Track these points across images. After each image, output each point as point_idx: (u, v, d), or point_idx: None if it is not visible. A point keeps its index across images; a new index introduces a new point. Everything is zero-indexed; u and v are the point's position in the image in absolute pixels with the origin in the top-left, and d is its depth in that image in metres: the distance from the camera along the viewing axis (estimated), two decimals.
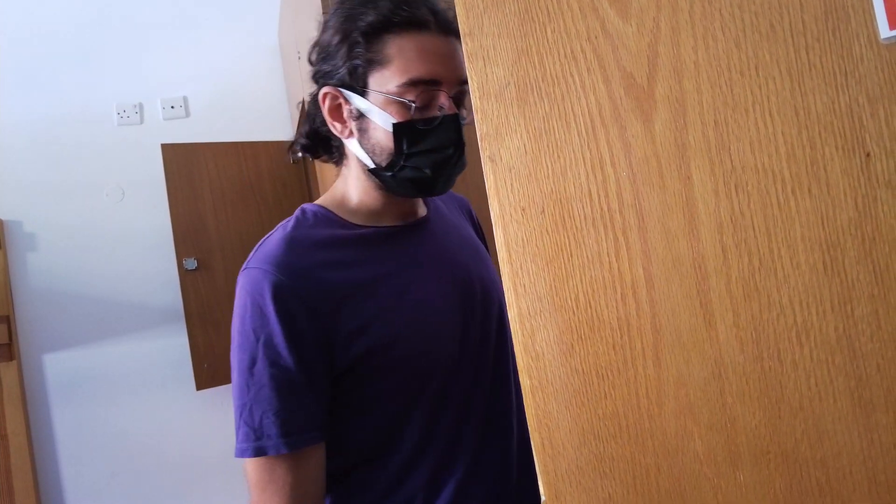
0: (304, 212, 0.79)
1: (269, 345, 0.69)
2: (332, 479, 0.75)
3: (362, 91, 0.73)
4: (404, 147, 0.72)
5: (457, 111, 0.73)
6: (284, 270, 0.70)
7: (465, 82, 0.69)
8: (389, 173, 0.74)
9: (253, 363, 0.69)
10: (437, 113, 0.72)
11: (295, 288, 0.69)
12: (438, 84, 0.72)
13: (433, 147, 0.72)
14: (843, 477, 0.38)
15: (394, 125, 0.71)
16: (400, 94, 0.71)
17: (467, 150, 0.77)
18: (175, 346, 2.06)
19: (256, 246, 0.77)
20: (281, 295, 0.69)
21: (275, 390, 0.68)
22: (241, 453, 0.69)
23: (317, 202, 0.82)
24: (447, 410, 0.78)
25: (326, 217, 0.78)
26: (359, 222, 0.79)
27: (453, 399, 0.78)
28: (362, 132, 0.75)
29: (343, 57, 0.73)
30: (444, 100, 0.72)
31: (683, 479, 0.42)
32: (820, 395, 0.38)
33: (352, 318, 0.72)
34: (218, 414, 2.10)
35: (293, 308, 0.69)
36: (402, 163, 0.72)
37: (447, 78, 0.72)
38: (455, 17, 0.68)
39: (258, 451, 0.68)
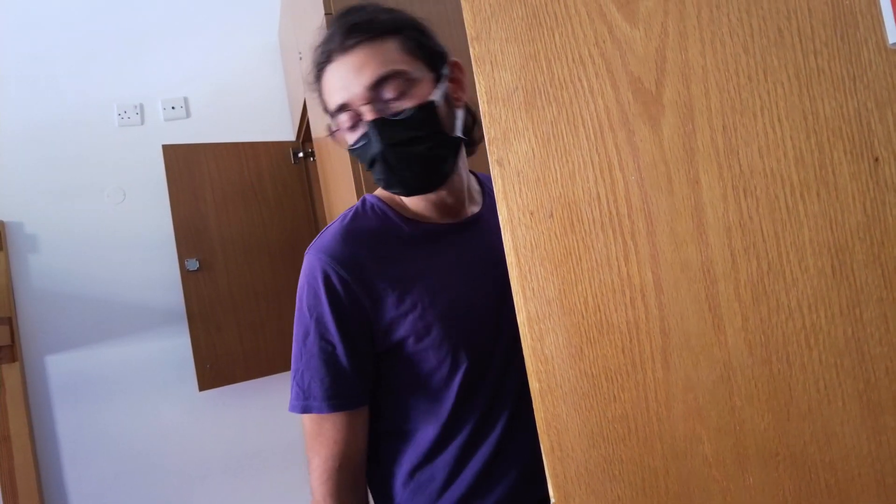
0: (364, 203, 0.87)
1: (320, 322, 0.80)
2: (381, 433, 0.87)
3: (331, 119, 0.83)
4: (365, 165, 0.80)
5: (372, 118, 0.76)
6: (336, 260, 0.79)
7: (379, 81, 0.75)
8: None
9: (306, 335, 0.81)
10: (364, 130, 0.78)
11: (343, 277, 0.79)
12: (347, 107, 0.77)
13: (370, 160, 0.78)
14: (851, 479, 0.38)
15: (349, 150, 0.81)
16: (331, 114, 0.80)
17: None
18: (177, 346, 2.06)
19: (322, 230, 0.85)
20: (331, 282, 0.79)
21: (322, 361, 0.80)
22: (292, 409, 0.82)
23: (377, 192, 0.89)
24: (476, 400, 0.83)
25: (382, 211, 0.85)
26: (411, 216, 0.86)
27: (483, 390, 0.83)
28: None
29: None
30: (361, 115, 0.77)
31: (692, 482, 0.42)
32: (829, 398, 0.38)
33: (391, 309, 0.80)
34: (221, 414, 2.11)
35: (341, 294, 0.79)
36: (376, 178, 0.80)
37: (352, 95, 0.76)
38: (363, 18, 0.77)
39: (305, 409, 0.80)
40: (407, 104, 0.76)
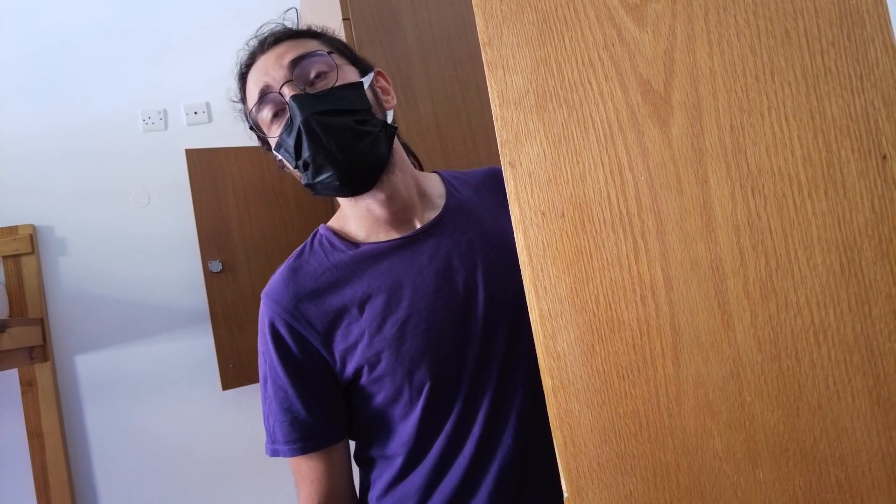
0: (313, 236, 0.86)
1: (272, 367, 0.80)
2: (357, 459, 0.87)
3: (258, 130, 0.81)
4: (294, 159, 0.75)
5: (293, 94, 0.73)
6: (280, 305, 0.79)
7: (299, 58, 0.74)
8: (310, 185, 0.76)
9: (265, 380, 0.82)
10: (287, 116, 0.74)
11: (287, 322, 0.78)
12: (268, 89, 0.76)
13: (295, 144, 0.73)
14: (862, 474, 0.38)
15: (276, 143, 0.77)
16: (255, 114, 0.79)
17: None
18: (201, 346, 2.10)
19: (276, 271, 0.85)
20: (276, 328, 0.79)
21: (279, 405, 0.80)
22: (266, 451, 0.82)
23: (329, 222, 0.87)
24: (441, 420, 0.78)
25: (329, 241, 0.83)
26: (360, 239, 0.82)
27: (448, 411, 0.78)
28: (282, 161, 0.82)
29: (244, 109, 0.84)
30: (283, 98, 0.74)
31: (703, 477, 0.43)
32: (838, 394, 0.39)
33: (340, 342, 0.78)
34: (243, 412, 2.14)
35: (287, 340, 0.78)
36: (307, 172, 0.74)
37: (272, 77, 0.75)
38: (281, 27, 0.80)
39: (274, 453, 0.80)
40: (332, 83, 0.74)
